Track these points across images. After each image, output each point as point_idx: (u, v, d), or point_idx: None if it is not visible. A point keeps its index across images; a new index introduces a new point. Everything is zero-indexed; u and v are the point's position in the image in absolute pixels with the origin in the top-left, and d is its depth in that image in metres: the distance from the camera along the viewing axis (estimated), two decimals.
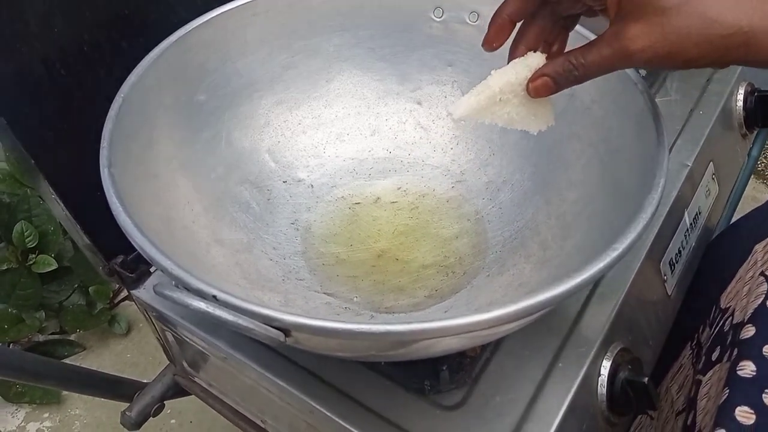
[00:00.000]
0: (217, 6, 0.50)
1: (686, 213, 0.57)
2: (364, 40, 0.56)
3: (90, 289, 1.11)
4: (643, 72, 0.66)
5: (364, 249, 0.50)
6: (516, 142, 0.53)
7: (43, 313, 1.07)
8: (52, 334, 1.12)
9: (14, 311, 1.04)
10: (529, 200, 0.51)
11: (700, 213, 0.59)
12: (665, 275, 0.54)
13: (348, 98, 0.57)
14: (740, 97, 0.66)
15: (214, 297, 0.31)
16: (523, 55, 0.37)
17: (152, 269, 0.53)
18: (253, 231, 0.49)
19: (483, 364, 0.45)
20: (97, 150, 0.42)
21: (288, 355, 0.46)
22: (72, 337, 1.14)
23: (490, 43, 0.38)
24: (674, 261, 0.55)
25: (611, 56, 0.32)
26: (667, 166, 0.38)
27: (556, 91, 0.37)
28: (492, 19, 0.38)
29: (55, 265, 1.02)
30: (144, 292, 0.52)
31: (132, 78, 0.44)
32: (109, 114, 0.41)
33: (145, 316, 0.56)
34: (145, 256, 0.32)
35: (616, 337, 0.48)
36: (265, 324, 0.29)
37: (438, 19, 0.55)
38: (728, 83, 0.66)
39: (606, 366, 0.46)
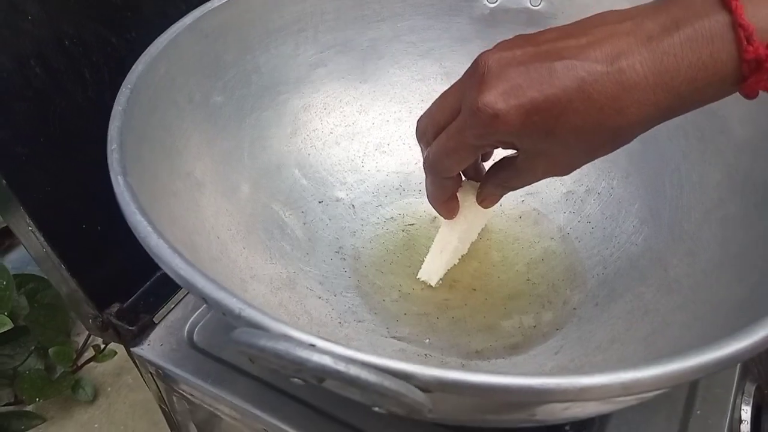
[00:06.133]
0: None
1: None
2: (403, 32, 0.47)
3: (50, 350, 0.96)
4: None
5: None
6: None
7: None
8: (6, 405, 0.97)
9: None
10: (626, 211, 0.42)
11: None
12: None
13: (386, 102, 0.48)
14: None
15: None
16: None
17: (156, 319, 0.42)
18: (291, 262, 0.39)
19: (605, 416, 0.35)
20: (81, 173, 0.34)
21: (322, 408, 0.36)
22: (30, 408, 0.98)
23: (452, 215, 0.38)
24: None
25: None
26: None
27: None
28: (438, 207, 0.37)
29: (10, 325, 0.88)
30: (148, 350, 0.40)
31: (139, 67, 0.34)
32: (114, 109, 0.31)
33: (144, 379, 0.44)
34: (208, 302, 0.22)
35: (747, 374, 0.39)
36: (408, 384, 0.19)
37: (492, 4, 0.46)
38: None
39: (746, 410, 0.37)
